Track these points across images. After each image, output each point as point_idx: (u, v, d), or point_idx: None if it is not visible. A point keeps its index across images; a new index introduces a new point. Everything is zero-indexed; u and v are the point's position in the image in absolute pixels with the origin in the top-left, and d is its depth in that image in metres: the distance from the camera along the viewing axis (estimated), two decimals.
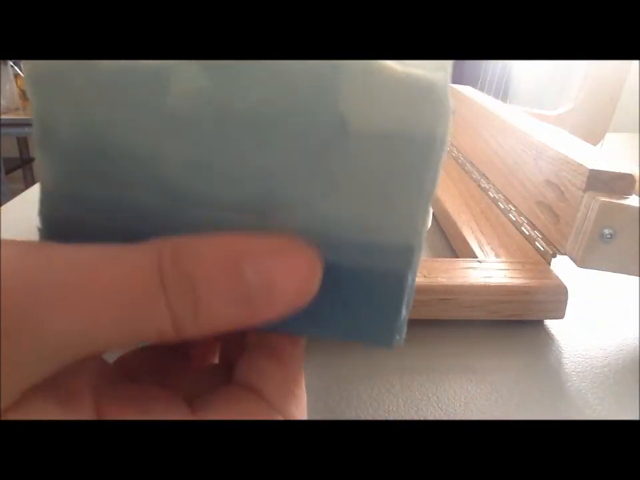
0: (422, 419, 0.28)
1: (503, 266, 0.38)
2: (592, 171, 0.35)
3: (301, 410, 0.15)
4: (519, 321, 0.36)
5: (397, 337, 0.15)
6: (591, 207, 0.34)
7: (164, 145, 0.13)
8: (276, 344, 0.16)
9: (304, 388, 0.16)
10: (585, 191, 0.35)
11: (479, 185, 0.56)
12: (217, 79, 0.12)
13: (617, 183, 0.35)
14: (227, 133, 0.13)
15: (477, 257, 0.40)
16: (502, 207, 0.50)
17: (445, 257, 0.45)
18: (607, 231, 0.33)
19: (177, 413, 0.14)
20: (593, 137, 0.76)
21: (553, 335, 0.36)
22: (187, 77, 0.12)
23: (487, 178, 0.56)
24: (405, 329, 0.15)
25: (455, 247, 0.47)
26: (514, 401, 0.30)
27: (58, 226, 0.14)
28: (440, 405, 0.29)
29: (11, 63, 2.03)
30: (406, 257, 0.14)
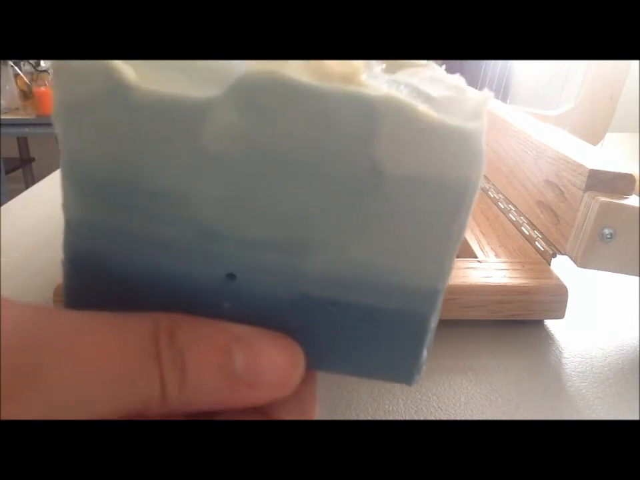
0: (422, 419, 0.28)
1: (503, 266, 0.38)
2: (592, 170, 0.35)
3: None
4: (519, 320, 0.36)
5: (416, 376, 0.15)
6: (591, 207, 0.34)
7: (196, 183, 0.13)
8: None
9: (315, 409, 0.16)
10: (584, 190, 0.35)
11: None
12: (254, 121, 0.12)
13: (617, 183, 0.35)
14: (260, 174, 0.13)
15: (477, 257, 0.40)
16: (502, 206, 0.50)
17: None
18: (607, 231, 0.33)
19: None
20: (593, 137, 0.76)
21: (552, 335, 0.36)
22: (223, 116, 0.12)
23: (487, 178, 0.56)
24: (424, 368, 0.15)
25: None
26: (514, 401, 0.30)
27: (82, 258, 0.14)
28: (440, 405, 0.29)
29: (10, 63, 2.03)
30: (431, 299, 0.14)
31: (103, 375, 0.12)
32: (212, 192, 0.13)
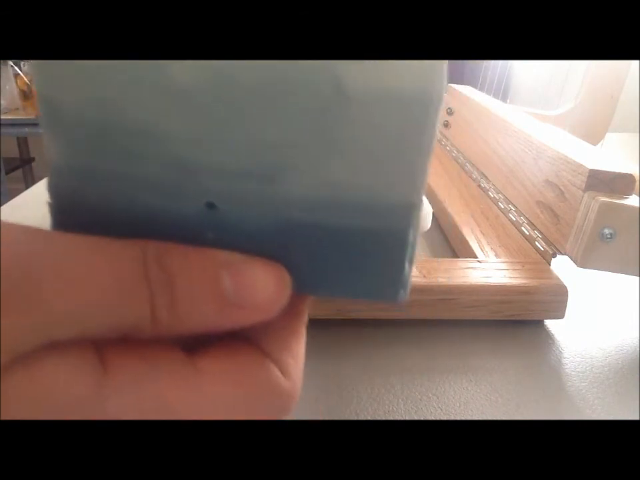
0: (422, 419, 0.28)
1: (503, 266, 0.38)
2: (592, 170, 0.35)
3: (297, 364, 0.15)
4: (519, 321, 0.36)
5: (402, 292, 0.16)
6: (591, 207, 0.34)
7: (168, 119, 0.13)
8: None
9: (303, 343, 0.16)
10: (584, 190, 0.35)
11: (479, 185, 0.56)
12: None
13: (617, 183, 0.35)
14: (228, 104, 0.13)
15: (477, 257, 0.40)
16: (502, 206, 0.50)
17: (445, 257, 0.45)
18: (607, 231, 0.33)
19: (174, 359, 0.14)
20: (593, 136, 0.76)
21: (552, 335, 0.36)
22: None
23: (486, 178, 0.56)
24: (409, 284, 0.16)
25: (455, 247, 0.47)
26: (514, 401, 0.30)
27: (67, 199, 0.14)
28: (440, 405, 0.29)
29: (10, 62, 2.03)
30: (407, 214, 0.14)
31: (96, 294, 0.12)
32: (183, 125, 0.13)
